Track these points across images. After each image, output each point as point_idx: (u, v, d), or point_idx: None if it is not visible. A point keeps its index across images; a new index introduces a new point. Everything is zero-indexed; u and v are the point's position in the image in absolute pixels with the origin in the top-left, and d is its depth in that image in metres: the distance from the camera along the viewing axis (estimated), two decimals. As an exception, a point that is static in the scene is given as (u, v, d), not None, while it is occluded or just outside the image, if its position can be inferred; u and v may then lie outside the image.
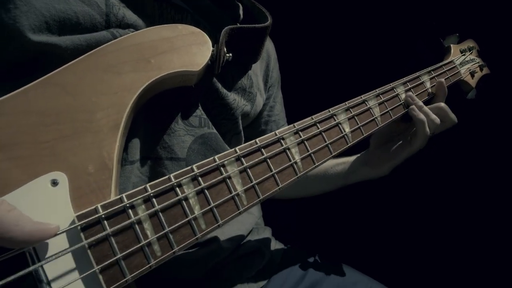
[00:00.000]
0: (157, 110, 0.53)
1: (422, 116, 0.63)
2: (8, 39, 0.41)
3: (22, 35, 0.41)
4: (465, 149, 1.29)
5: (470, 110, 0.95)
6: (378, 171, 0.70)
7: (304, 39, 1.45)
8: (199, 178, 0.41)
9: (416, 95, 0.68)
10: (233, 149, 0.45)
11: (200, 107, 0.58)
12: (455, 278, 1.26)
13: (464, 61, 0.88)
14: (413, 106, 0.64)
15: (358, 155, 0.76)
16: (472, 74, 0.89)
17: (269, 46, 0.79)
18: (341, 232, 1.44)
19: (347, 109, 0.57)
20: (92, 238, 0.35)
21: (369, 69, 1.26)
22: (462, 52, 0.90)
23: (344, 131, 0.55)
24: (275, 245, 0.75)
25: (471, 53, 0.92)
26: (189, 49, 0.50)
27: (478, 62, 0.93)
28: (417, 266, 1.32)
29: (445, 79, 0.77)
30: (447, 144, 1.15)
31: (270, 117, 0.79)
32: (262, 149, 0.47)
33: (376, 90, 0.64)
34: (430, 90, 0.73)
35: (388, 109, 0.63)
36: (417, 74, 0.73)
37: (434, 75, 0.76)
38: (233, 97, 0.61)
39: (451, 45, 0.90)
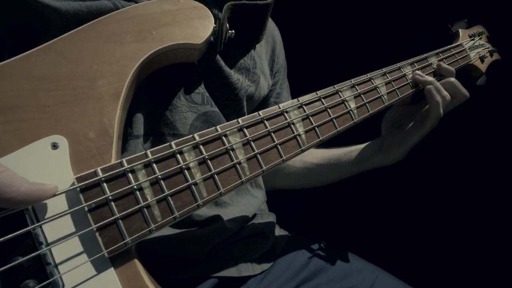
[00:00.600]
0: (159, 86, 0.53)
1: (438, 97, 0.61)
2: None
3: None
4: (471, 139, 1.26)
5: (481, 98, 0.92)
6: (391, 157, 0.68)
7: (307, 24, 1.43)
8: (201, 147, 0.41)
9: None
10: (235, 120, 0.44)
11: (203, 85, 0.57)
12: (460, 268, 1.23)
13: (473, 46, 0.86)
14: (430, 87, 0.63)
15: (371, 141, 0.75)
16: (482, 59, 0.87)
17: (274, 31, 0.78)
18: (347, 223, 1.41)
19: (353, 86, 0.56)
20: (92, 200, 0.34)
21: (371, 53, 1.24)
22: (471, 37, 0.88)
23: (350, 107, 0.54)
24: (279, 231, 0.74)
25: (480, 38, 0.90)
26: (191, 22, 0.50)
27: (488, 48, 0.91)
28: (422, 254, 1.30)
29: (453, 61, 0.75)
30: (450, 135, 1.13)
31: (277, 104, 0.78)
32: (265, 121, 0.46)
33: (382, 69, 0.62)
34: (438, 71, 0.71)
35: (395, 87, 0.62)
36: (425, 55, 0.71)
37: (442, 57, 0.74)
38: (236, 77, 0.60)
39: (460, 29, 0.88)
